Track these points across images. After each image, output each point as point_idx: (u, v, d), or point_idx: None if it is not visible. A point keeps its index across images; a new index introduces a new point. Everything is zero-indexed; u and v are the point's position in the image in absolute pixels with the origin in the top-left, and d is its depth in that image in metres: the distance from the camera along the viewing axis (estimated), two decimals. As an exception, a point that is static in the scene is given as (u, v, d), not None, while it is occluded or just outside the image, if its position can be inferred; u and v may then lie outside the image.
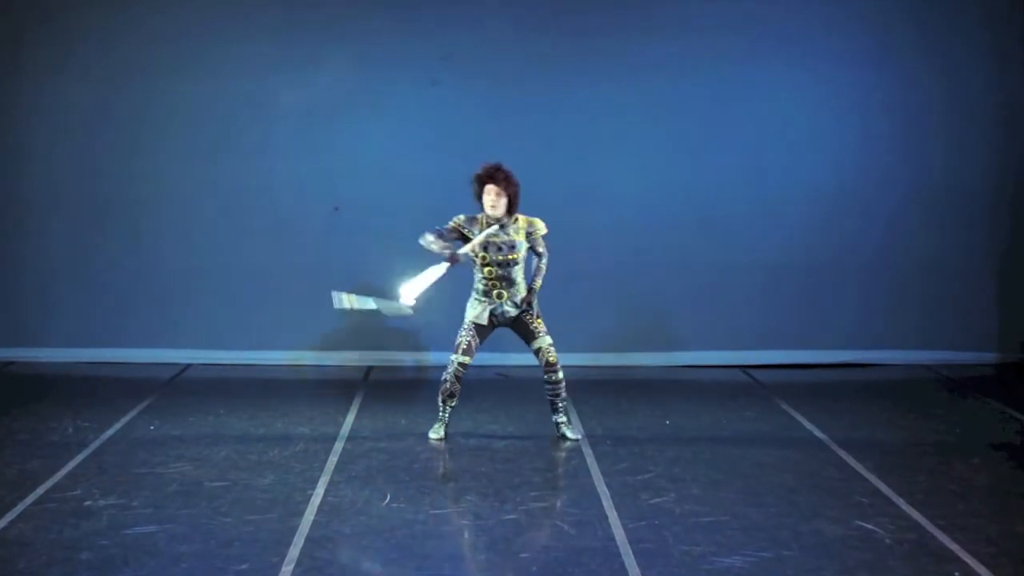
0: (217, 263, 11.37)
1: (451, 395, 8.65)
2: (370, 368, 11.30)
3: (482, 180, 8.44)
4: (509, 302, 8.53)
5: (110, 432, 8.77)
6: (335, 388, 10.49)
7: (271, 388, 10.59)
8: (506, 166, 8.44)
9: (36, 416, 9.22)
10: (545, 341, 8.59)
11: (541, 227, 8.56)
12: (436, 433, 8.71)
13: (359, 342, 11.46)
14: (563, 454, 8.36)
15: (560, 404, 8.69)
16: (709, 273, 11.46)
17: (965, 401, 10.31)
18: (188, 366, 11.28)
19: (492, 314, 8.54)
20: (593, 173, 11.38)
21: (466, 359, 8.58)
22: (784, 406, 9.83)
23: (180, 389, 10.44)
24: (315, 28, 11.31)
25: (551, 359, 8.59)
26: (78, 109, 11.35)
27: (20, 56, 11.36)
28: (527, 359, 10.86)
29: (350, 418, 9.31)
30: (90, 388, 10.38)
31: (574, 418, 9.29)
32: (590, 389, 10.46)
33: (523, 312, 8.57)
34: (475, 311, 8.57)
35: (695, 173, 11.49)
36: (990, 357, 11.68)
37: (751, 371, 11.26)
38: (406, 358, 11.39)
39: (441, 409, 8.72)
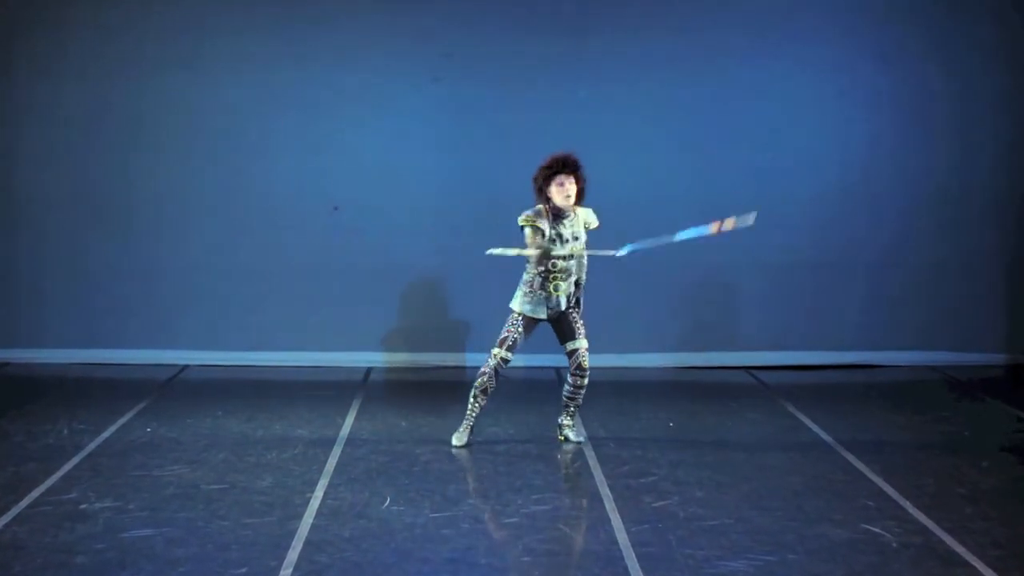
0: (215, 263, 11.38)
1: (484, 391, 8.43)
2: (370, 369, 11.30)
3: (554, 169, 8.33)
4: (564, 295, 8.43)
5: (106, 434, 8.77)
6: (334, 390, 10.48)
7: (269, 389, 10.59)
8: (575, 155, 8.41)
9: (31, 418, 9.22)
10: (583, 344, 8.48)
11: (595, 220, 8.53)
12: (459, 439, 8.51)
13: (359, 343, 11.46)
14: (565, 456, 8.35)
15: (573, 408, 8.63)
16: (713, 273, 11.46)
17: (973, 403, 10.31)
18: (185, 367, 11.28)
19: (548, 308, 8.42)
20: (594, 173, 11.29)
21: (510, 355, 8.41)
22: (789, 408, 9.83)
23: (177, 390, 10.44)
24: (314, 25, 11.31)
25: (584, 363, 8.48)
26: (73, 107, 11.35)
27: (13, 53, 11.36)
28: (528, 360, 10.91)
29: (349, 420, 9.31)
30: (86, 390, 10.38)
31: (576, 419, 9.28)
32: (592, 390, 10.43)
33: (571, 307, 8.49)
34: (531, 305, 8.40)
35: (698, 173, 11.48)
36: (999, 358, 11.68)
37: (756, 372, 11.26)
38: (406, 359, 11.39)
39: (470, 408, 8.49)
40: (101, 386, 10.58)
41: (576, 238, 8.43)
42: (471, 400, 8.49)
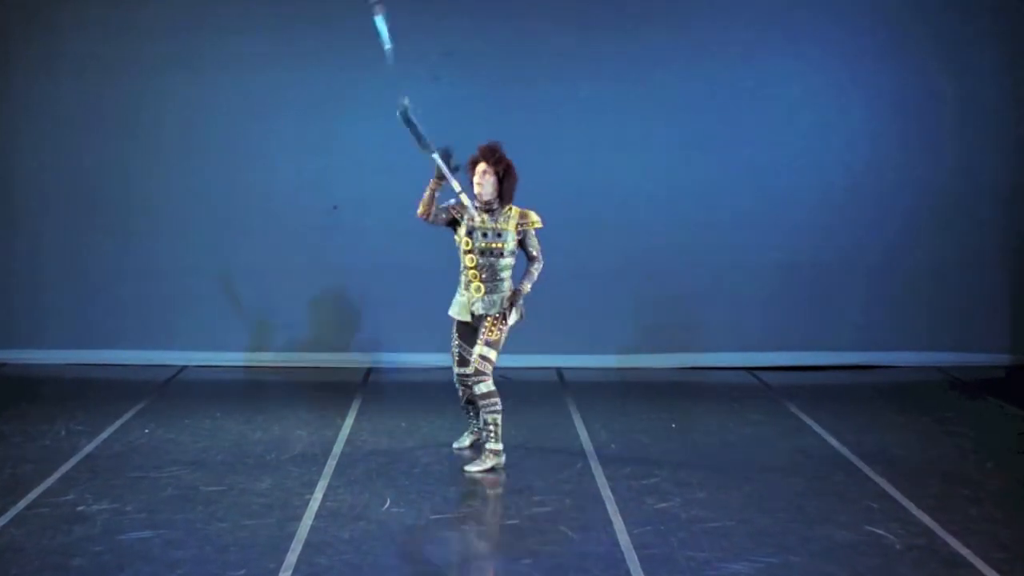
0: (213, 263, 11.37)
1: (469, 401, 8.31)
2: (369, 370, 11.30)
3: (473, 160, 8.15)
4: (485, 299, 8.09)
5: (104, 436, 8.77)
6: (334, 390, 10.48)
7: (268, 390, 10.59)
8: (502, 148, 8.13)
9: (28, 419, 9.22)
10: (475, 350, 8.04)
11: (534, 219, 8.13)
12: (458, 442, 8.47)
13: (358, 343, 11.46)
14: (566, 458, 8.34)
15: (475, 415, 8.27)
16: (716, 273, 11.45)
17: (978, 404, 10.30)
18: (183, 368, 11.28)
19: (472, 310, 8.12)
20: (597, 171, 11.38)
21: (462, 370, 8.20)
22: (792, 409, 9.83)
23: (175, 391, 10.44)
24: (313, 24, 11.30)
25: (469, 369, 8.08)
26: (70, 106, 11.35)
27: (10, 52, 11.36)
28: (529, 361, 10.94)
29: (349, 421, 9.31)
30: (83, 391, 10.38)
31: (578, 421, 9.29)
32: (594, 391, 10.47)
33: (494, 315, 8.07)
34: (456, 307, 8.20)
35: (701, 171, 11.48)
36: (1003, 359, 11.67)
37: (758, 373, 11.26)
38: (406, 360, 11.38)
39: (466, 418, 8.46)
40: (99, 387, 10.57)
41: (499, 235, 8.07)
42: (462, 412, 8.47)
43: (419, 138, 8.17)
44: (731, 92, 11.43)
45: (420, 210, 8.14)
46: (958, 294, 11.63)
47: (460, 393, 8.36)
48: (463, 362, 8.22)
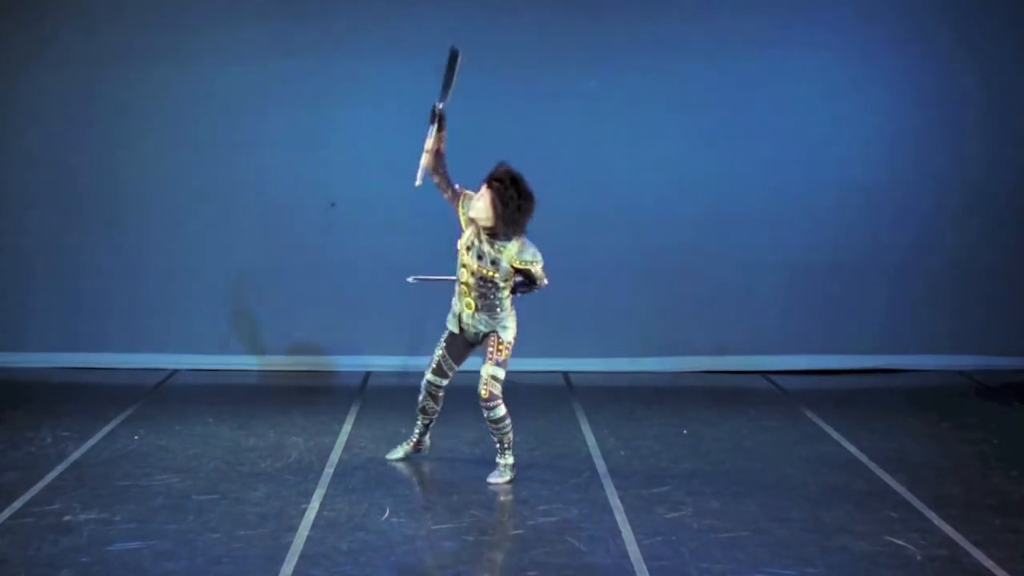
0: (206, 262, 11.38)
1: (422, 410, 8.14)
2: (368, 374, 11.31)
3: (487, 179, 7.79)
4: (477, 316, 7.86)
5: (92, 442, 8.78)
6: (331, 395, 10.51)
7: (263, 395, 10.60)
8: (515, 174, 7.71)
9: (12, 425, 9.24)
10: (485, 371, 7.83)
11: (523, 261, 7.74)
12: (393, 453, 8.32)
13: (357, 346, 11.46)
14: (573, 466, 8.35)
15: (495, 440, 8.01)
16: (730, 273, 11.46)
17: (1002, 409, 10.31)
18: (174, 372, 11.30)
19: (461, 323, 7.98)
20: (606, 166, 11.38)
21: (434, 378, 8.05)
22: (809, 414, 9.84)
23: (166, 396, 10.46)
24: (309, 12, 11.31)
25: (480, 391, 7.82)
26: (56, 99, 11.36)
27: (-6, 41, 11.41)
28: (537, 365, 10.94)
29: (347, 427, 9.32)
30: (70, 395, 10.40)
31: (585, 427, 9.30)
32: (603, 396, 10.47)
33: (493, 333, 7.88)
34: (449, 315, 8.05)
35: (715, 167, 11.48)
36: (1029, 363, 11.69)
37: (774, 377, 11.26)
38: (406, 364, 11.38)
39: (412, 426, 8.35)
40: (86, 391, 10.59)
41: (494, 263, 7.75)
42: (417, 419, 8.28)
43: (447, 85, 8.06)
44: (746, 84, 11.43)
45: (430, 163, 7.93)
46: (981, 295, 11.62)
47: (421, 398, 8.12)
48: (441, 373, 8.07)
